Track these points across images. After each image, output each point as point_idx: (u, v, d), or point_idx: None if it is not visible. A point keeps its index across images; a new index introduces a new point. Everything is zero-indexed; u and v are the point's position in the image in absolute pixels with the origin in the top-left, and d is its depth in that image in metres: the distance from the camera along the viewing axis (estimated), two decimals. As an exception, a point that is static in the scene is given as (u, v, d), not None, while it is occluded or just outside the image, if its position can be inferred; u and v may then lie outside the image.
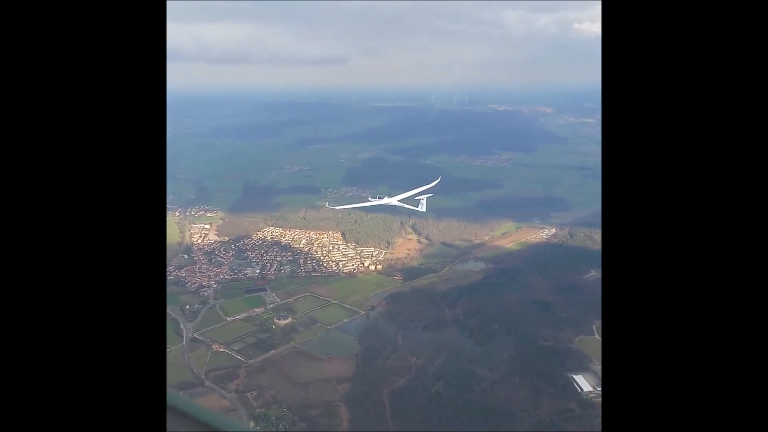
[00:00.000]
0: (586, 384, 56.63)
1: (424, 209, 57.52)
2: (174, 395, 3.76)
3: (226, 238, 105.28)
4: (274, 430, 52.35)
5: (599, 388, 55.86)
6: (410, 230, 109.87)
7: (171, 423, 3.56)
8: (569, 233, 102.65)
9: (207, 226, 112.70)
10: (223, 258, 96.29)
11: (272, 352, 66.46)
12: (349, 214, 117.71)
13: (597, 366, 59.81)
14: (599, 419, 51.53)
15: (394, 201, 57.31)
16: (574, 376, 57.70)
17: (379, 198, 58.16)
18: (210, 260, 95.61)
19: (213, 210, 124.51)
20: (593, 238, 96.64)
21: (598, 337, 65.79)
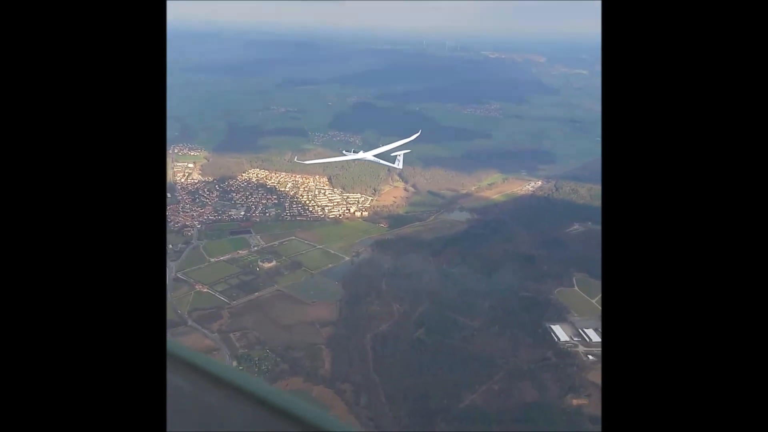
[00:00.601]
0: (563, 334, 58.15)
1: (400, 166, 54.05)
2: (174, 342, 3.69)
3: (211, 178, 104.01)
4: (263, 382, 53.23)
5: (576, 338, 57.52)
6: (397, 178, 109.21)
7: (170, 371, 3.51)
8: (555, 186, 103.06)
9: (191, 165, 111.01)
10: (207, 198, 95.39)
11: (256, 294, 66.87)
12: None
13: (575, 317, 61.37)
14: (575, 368, 53.34)
15: (369, 156, 52.60)
16: (552, 326, 59.16)
17: (353, 152, 53.89)
18: (194, 200, 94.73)
19: (197, 149, 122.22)
20: (578, 192, 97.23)
21: (577, 289, 67.20)
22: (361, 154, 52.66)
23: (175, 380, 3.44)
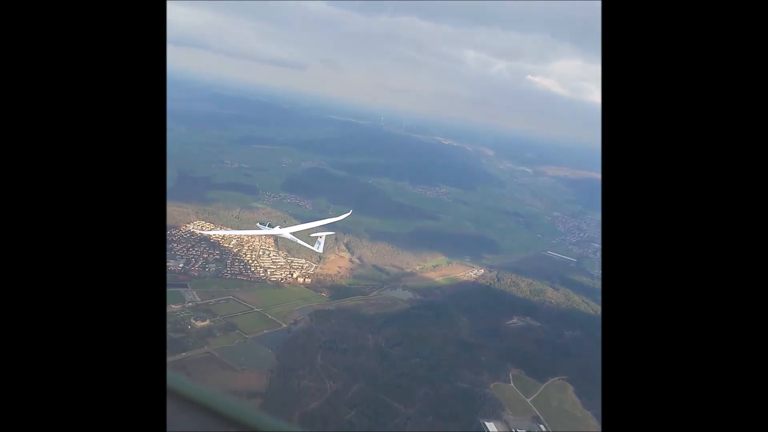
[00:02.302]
0: None
1: (320, 250, 47.32)
2: (174, 377, 3.73)
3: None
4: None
5: (507, 438, 56.87)
6: (344, 248, 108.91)
7: (171, 407, 3.53)
8: (497, 276, 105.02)
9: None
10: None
11: (184, 354, 63.16)
12: (284, 221, 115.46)
13: (509, 415, 60.87)
14: (506, 469, 52.32)
15: (285, 233, 45.38)
16: (486, 423, 58.36)
17: (269, 226, 45.78)
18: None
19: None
20: (519, 285, 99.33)
21: (512, 385, 67.11)
22: (277, 230, 45.42)
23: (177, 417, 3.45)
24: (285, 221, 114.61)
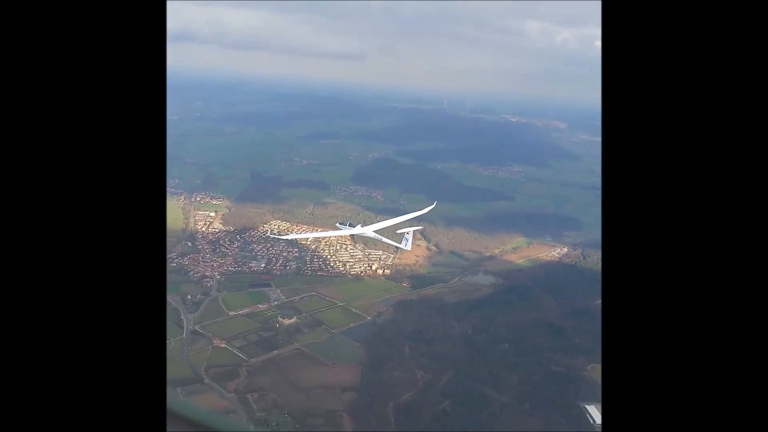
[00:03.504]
0: (599, 416, 54.58)
1: (408, 247, 43.29)
2: (173, 400, 3.75)
3: (232, 228, 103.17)
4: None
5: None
6: (419, 236, 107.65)
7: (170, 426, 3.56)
8: (582, 254, 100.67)
9: (212, 214, 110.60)
10: (227, 248, 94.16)
11: (275, 352, 64.40)
12: (358, 214, 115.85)
13: (611, 398, 57.88)
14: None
15: (369, 232, 41.91)
16: (587, 407, 55.70)
17: (350, 226, 42.49)
18: (214, 250, 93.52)
19: (219, 197, 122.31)
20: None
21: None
22: (359, 229, 42.16)
23: None
24: (359, 214, 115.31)
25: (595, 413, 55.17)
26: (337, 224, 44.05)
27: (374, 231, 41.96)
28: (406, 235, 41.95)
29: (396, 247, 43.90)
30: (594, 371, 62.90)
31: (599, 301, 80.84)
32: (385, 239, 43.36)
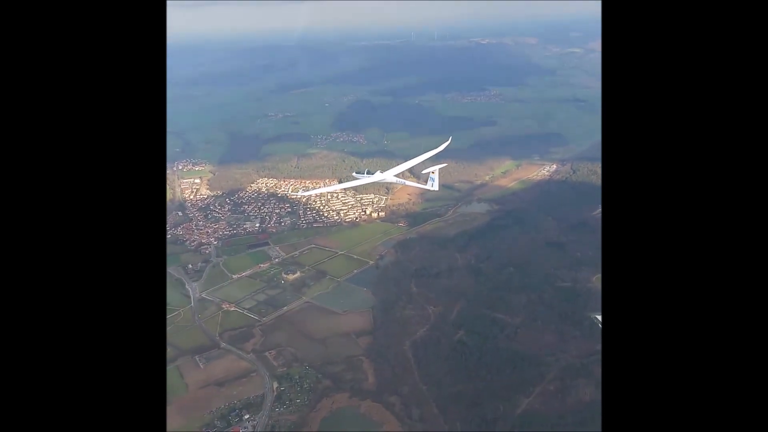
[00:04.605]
0: (610, 323, 55.97)
1: (436, 187, 38.94)
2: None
3: (219, 192, 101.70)
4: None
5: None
6: (408, 174, 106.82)
7: None
8: (572, 168, 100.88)
9: (197, 181, 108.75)
10: (219, 213, 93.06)
11: (285, 308, 64.67)
12: (344, 161, 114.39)
13: (619, 304, 59.18)
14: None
15: (389, 177, 39.05)
16: (598, 317, 56.94)
17: (368, 173, 39.61)
18: (206, 216, 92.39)
19: (201, 163, 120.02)
20: (597, 173, 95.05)
21: (615, 274, 64.99)
22: (378, 176, 39.26)
23: None
24: (344, 161, 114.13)
25: (605, 321, 56.55)
26: (354, 173, 41.17)
27: (394, 175, 39.67)
28: (432, 175, 38.33)
29: (423, 189, 40.94)
30: (599, 281, 64.08)
31: (595, 213, 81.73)
32: (408, 182, 41.41)
